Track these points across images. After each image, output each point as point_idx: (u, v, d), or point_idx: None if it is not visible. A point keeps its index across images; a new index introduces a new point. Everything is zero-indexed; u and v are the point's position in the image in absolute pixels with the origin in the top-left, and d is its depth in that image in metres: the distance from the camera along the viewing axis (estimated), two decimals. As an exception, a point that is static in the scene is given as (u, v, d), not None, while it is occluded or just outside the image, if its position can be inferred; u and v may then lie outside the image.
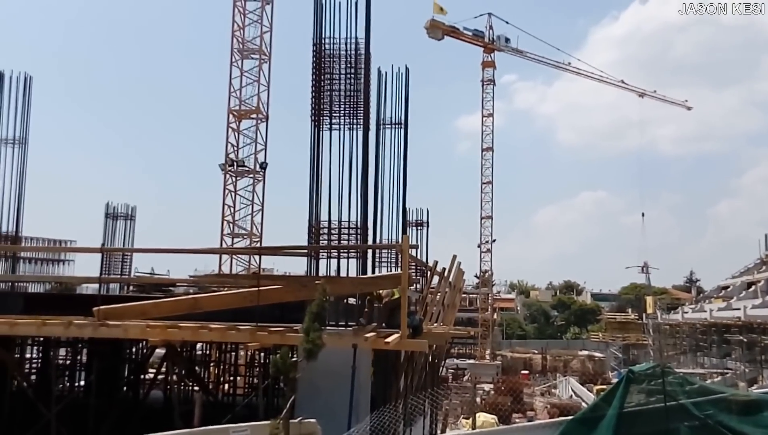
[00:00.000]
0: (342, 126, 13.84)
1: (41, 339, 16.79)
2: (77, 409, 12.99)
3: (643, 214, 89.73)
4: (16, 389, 13.17)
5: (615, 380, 16.40)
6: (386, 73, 15.37)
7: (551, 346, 71.70)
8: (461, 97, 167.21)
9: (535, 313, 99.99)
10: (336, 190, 13.29)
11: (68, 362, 18.78)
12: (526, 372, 56.58)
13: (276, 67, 39.81)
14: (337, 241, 13.28)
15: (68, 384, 18.43)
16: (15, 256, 17.62)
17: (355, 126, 13.86)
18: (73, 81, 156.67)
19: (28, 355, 17.84)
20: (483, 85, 68.28)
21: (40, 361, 18.58)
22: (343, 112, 13.99)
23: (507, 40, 68.04)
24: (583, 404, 31.68)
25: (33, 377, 17.36)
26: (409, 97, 15.87)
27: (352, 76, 14.13)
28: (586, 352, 66.06)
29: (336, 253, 12.97)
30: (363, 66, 14.16)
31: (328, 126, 13.85)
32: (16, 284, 17.22)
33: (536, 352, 66.50)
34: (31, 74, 17.64)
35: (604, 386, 36.14)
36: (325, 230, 13.45)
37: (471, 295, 70.47)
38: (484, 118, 67.91)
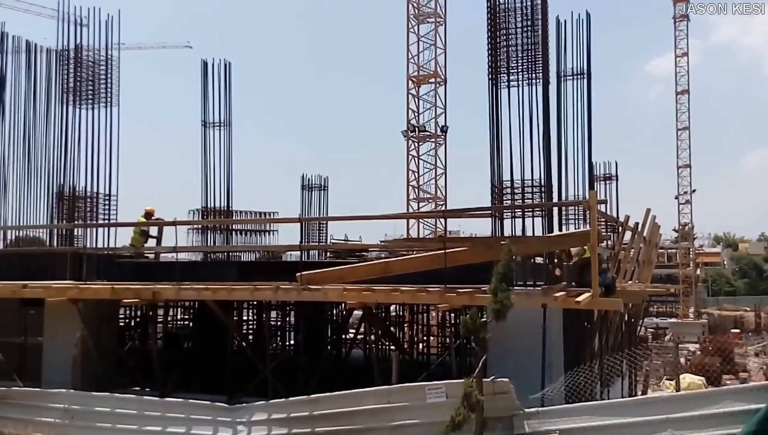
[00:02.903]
0: (520, 82, 13.48)
1: (254, 302, 18.54)
2: (288, 366, 14.25)
3: None
4: (236, 348, 14.70)
5: None
6: (565, 21, 14.67)
7: (766, 302, 65.14)
8: (651, 38, 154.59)
9: (745, 268, 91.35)
10: (517, 148, 13.07)
11: (279, 323, 20.55)
12: (737, 331, 52.12)
13: (451, 29, 39.76)
14: (520, 200, 13.09)
15: (280, 343, 20.20)
16: (228, 229, 19.46)
17: (534, 81, 13.43)
18: (264, 61, 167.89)
19: (244, 318, 19.83)
20: (675, 23, 62.79)
21: (254, 322, 20.59)
22: (520, 67, 13.61)
23: (702, -32, 61.56)
24: (808, 366, 28.57)
25: (250, 337, 19.26)
26: (592, 44, 15.04)
27: (529, 28, 13.65)
28: (809, 309, 59.27)
29: (520, 213, 12.81)
30: (540, 17, 13.62)
31: (506, 83, 13.56)
32: (231, 254, 19.01)
33: (748, 309, 60.95)
34: (230, 60, 19.12)
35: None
36: (508, 190, 13.30)
37: (669, 251, 66.00)
38: (678, 59, 62.60)
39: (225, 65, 18.96)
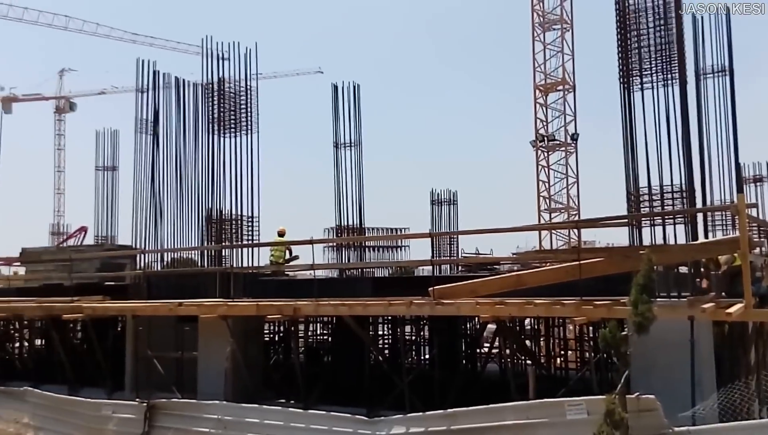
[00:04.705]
0: (654, 83, 12.94)
1: (389, 317, 18.90)
2: (424, 380, 14.36)
3: None
4: (373, 362, 15.03)
5: None
6: (701, 17, 13.95)
7: None
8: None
9: None
10: (654, 153, 12.53)
11: (413, 338, 20.78)
12: None
13: (578, 34, 38.80)
14: (659, 207, 12.49)
15: (415, 357, 20.41)
16: (362, 246, 20.03)
17: (669, 81, 12.84)
18: (389, 79, 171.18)
19: (380, 332, 20.25)
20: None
21: (389, 337, 20.97)
22: (654, 68, 13.07)
23: None
24: None
25: (385, 352, 19.62)
26: (733, 38, 14.16)
27: (662, 27, 13.10)
28: None
29: (660, 220, 12.23)
30: (673, 14, 13.03)
31: (639, 86, 13.07)
32: (365, 270, 19.53)
33: None
34: (357, 81, 19.81)
35: None
36: (646, 196, 12.75)
37: (837, 255, 59.84)
38: (838, 44, 56.86)
39: (354, 87, 19.66)
